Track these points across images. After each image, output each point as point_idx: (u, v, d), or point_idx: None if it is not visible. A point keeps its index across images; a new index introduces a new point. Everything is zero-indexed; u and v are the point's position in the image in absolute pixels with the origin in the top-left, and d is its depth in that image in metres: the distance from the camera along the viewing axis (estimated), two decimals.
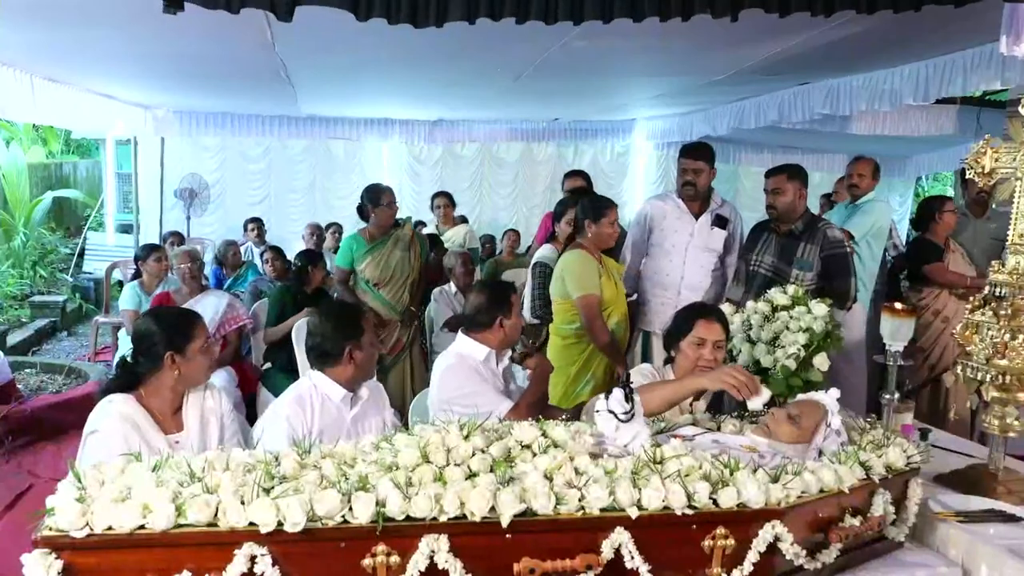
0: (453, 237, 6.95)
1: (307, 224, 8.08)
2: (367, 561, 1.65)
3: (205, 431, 2.53)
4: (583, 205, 3.95)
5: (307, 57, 5.34)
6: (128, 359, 2.53)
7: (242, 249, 7.59)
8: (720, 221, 4.20)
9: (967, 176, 2.65)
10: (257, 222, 8.18)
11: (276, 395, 3.25)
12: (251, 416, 4.17)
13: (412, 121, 9.64)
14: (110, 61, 5.69)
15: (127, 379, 2.50)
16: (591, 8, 2.69)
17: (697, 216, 4.20)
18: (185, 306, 4.74)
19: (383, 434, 2.09)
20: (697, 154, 4.17)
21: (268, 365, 4.92)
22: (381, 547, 1.65)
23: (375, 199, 4.72)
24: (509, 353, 3.07)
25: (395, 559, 1.66)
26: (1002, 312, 2.41)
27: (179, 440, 2.45)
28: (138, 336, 2.53)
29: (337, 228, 8.30)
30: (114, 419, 2.37)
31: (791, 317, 3.05)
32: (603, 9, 2.70)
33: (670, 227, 4.22)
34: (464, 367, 2.96)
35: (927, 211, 4.90)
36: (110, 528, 1.58)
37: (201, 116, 9.10)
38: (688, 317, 2.92)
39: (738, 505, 1.81)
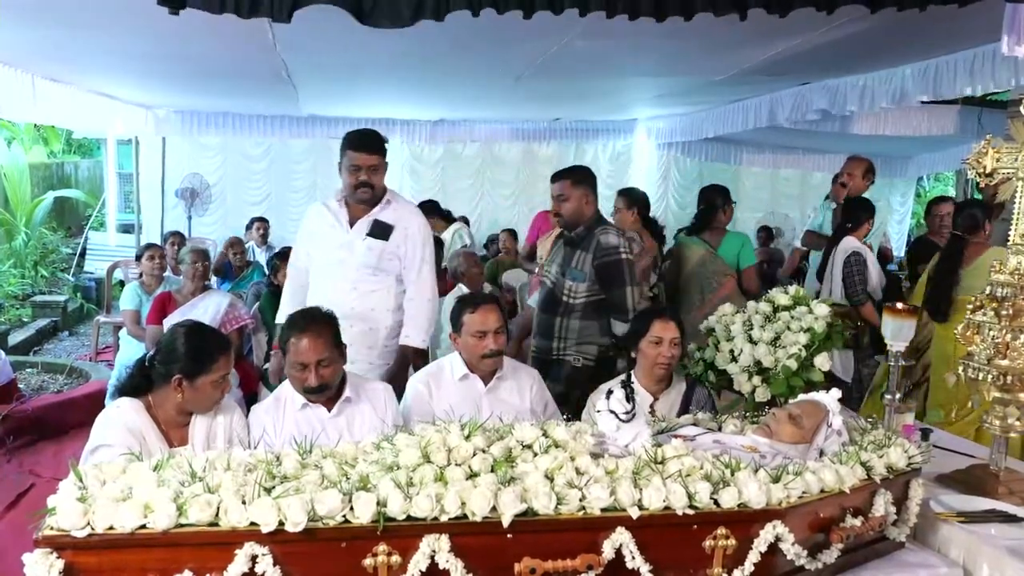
0: (444, 236, 6.99)
1: None
2: (368, 561, 1.65)
3: (210, 448, 2.44)
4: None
5: (309, 57, 5.34)
6: (147, 361, 2.51)
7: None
8: (380, 230, 3.33)
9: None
10: (262, 221, 8.17)
11: None
12: None
13: (413, 121, 9.63)
14: (111, 61, 5.69)
15: (141, 381, 2.49)
16: (595, 2, 2.67)
17: (352, 224, 3.35)
18: (186, 305, 4.74)
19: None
20: (372, 147, 3.31)
21: (268, 365, 4.92)
22: (382, 547, 1.65)
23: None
24: (499, 374, 2.97)
25: (396, 559, 1.66)
26: (1003, 312, 2.41)
27: (182, 454, 2.43)
28: (162, 345, 2.52)
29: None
30: (120, 431, 2.35)
31: (792, 317, 3.06)
32: (608, 3, 2.67)
33: (322, 237, 3.41)
34: (418, 379, 2.96)
35: (927, 211, 4.95)
36: (111, 528, 1.59)
37: (202, 116, 9.09)
38: (644, 318, 3.05)
39: (739, 505, 1.81)
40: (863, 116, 6.43)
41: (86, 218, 11.38)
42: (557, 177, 3.71)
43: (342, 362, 2.67)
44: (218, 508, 1.62)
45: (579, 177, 3.66)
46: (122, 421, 2.38)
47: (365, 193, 3.29)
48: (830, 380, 2.94)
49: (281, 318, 3.44)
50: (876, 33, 4.06)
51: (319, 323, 2.64)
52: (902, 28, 3.90)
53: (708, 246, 4.61)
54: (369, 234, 3.31)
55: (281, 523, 1.61)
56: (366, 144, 3.30)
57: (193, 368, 2.43)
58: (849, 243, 4.45)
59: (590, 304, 3.52)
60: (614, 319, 3.52)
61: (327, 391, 2.64)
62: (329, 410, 2.67)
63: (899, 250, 10.49)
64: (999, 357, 2.41)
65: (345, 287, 3.29)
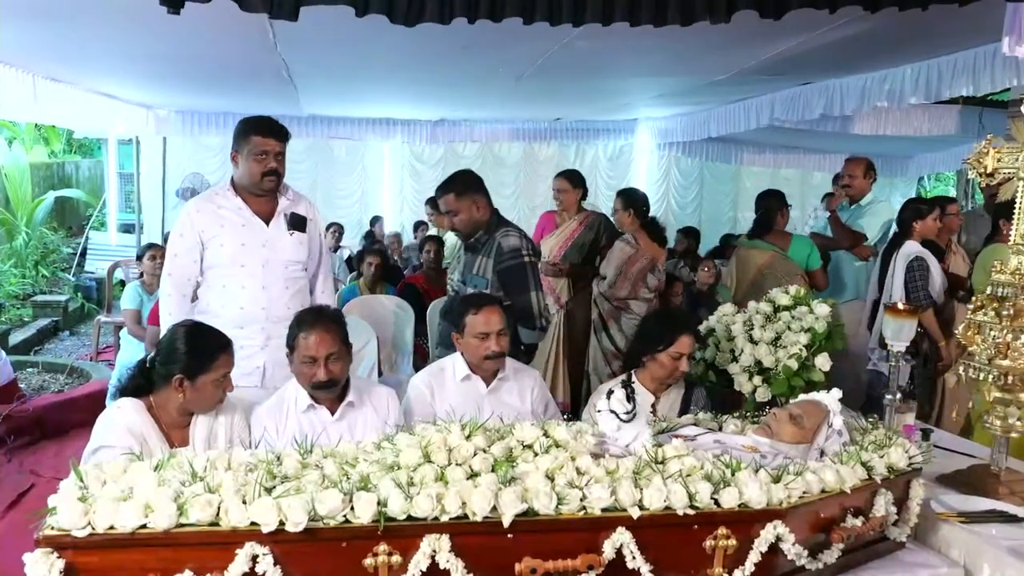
0: (447, 236, 6.97)
1: None
2: (369, 561, 1.65)
3: (212, 448, 2.42)
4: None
5: (309, 57, 5.34)
6: (148, 362, 2.51)
7: None
8: (297, 222, 3.15)
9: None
10: None
11: None
12: None
13: (414, 121, 9.63)
14: (112, 61, 5.70)
15: (142, 382, 2.49)
16: (592, 10, 2.68)
17: (267, 220, 3.12)
18: None
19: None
20: (279, 133, 3.16)
21: None
22: (383, 547, 1.66)
23: None
24: (501, 375, 2.94)
25: (396, 559, 1.66)
26: (1004, 312, 2.41)
27: (183, 454, 2.42)
28: (162, 345, 2.51)
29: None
30: (121, 432, 2.34)
31: (793, 317, 3.06)
32: (604, 11, 2.69)
33: (233, 238, 3.07)
34: (419, 380, 2.94)
35: (943, 211, 4.91)
36: (112, 527, 1.59)
37: (203, 116, 9.08)
38: (671, 329, 2.93)
39: (740, 505, 1.81)
40: (864, 116, 6.43)
41: (87, 218, 11.39)
42: (441, 192, 3.55)
43: (349, 360, 2.68)
44: (219, 508, 1.62)
45: (461, 188, 3.51)
46: (123, 422, 2.38)
47: (272, 182, 3.08)
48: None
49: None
50: (877, 33, 4.06)
51: (327, 319, 2.66)
52: (903, 28, 3.90)
53: (776, 248, 4.67)
54: (292, 227, 3.12)
55: (282, 523, 1.61)
56: (274, 130, 3.11)
57: (194, 367, 2.42)
58: (911, 247, 4.38)
59: None
60: (520, 326, 3.39)
61: (335, 387, 2.64)
62: (332, 413, 2.67)
63: None
64: (1000, 357, 2.40)
65: (278, 288, 3.06)
